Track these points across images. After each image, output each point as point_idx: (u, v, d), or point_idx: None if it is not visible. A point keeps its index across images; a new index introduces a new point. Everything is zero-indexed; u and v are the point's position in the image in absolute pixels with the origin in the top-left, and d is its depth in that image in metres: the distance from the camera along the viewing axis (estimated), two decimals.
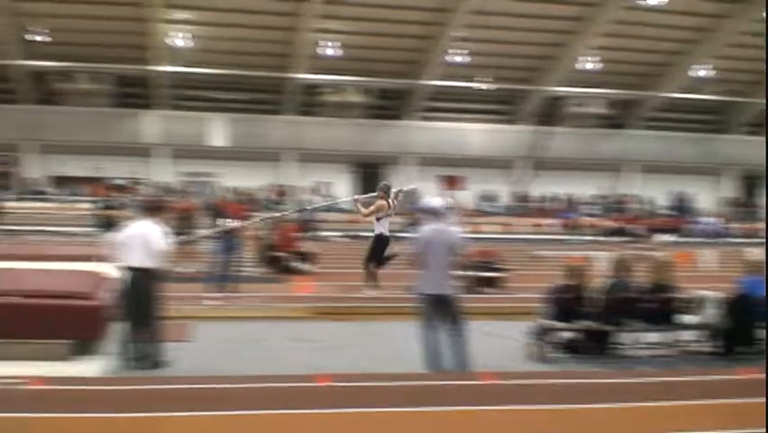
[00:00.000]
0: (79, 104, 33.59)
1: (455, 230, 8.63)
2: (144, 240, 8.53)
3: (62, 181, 33.92)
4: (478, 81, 35.08)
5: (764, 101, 31.53)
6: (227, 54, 32.85)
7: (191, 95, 35.25)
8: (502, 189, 37.96)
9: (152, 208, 9.07)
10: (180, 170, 34.46)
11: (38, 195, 32.20)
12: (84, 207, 28.70)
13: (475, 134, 37.22)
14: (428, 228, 8.41)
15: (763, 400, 6.16)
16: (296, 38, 32.25)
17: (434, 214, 8.48)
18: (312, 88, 35.57)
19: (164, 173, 33.94)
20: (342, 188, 35.94)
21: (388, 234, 13.37)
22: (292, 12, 31.09)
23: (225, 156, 34.67)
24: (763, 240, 22.22)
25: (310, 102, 36.07)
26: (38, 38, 30.88)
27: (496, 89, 35.92)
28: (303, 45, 32.35)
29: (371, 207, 13.47)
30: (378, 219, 13.29)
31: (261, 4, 30.69)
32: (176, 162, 34.66)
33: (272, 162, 35.68)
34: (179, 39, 31.62)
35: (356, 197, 14.42)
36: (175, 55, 32.31)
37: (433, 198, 9.41)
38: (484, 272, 14.51)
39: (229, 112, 35.11)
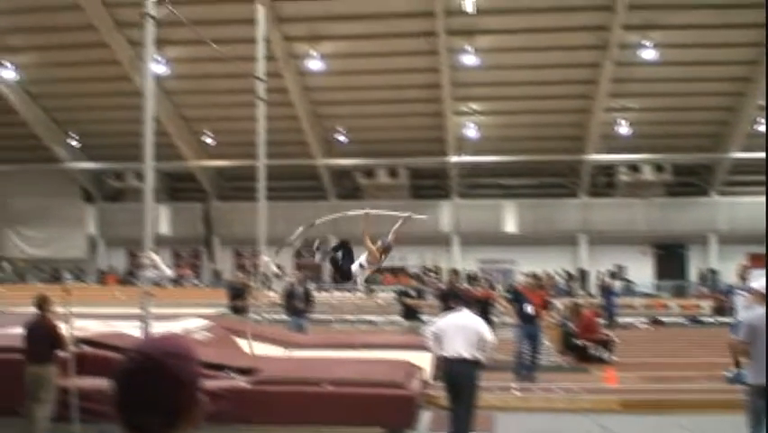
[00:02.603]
0: (378, 197, 35.42)
1: None
2: (468, 330, 8.67)
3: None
4: None
5: None
6: (517, 141, 33.24)
7: (483, 182, 36.04)
8: None
9: (468, 299, 9.26)
10: (475, 258, 35.07)
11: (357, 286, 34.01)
12: (386, 295, 29.93)
13: None
14: (757, 313, 7.66)
15: None
16: (585, 120, 31.90)
17: (763, 297, 7.73)
18: (604, 169, 34.90)
19: (459, 261, 34.66)
20: (642, 271, 34.56)
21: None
22: (582, 94, 30.84)
23: (517, 241, 34.77)
24: None
25: (602, 183, 35.37)
26: (340, 138, 33.39)
27: None
28: (594, 126, 31.84)
29: (369, 245, 10.05)
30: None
31: (550, 90, 30.75)
32: (469, 250, 35.29)
33: (566, 246, 35.18)
34: (471, 129, 32.59)
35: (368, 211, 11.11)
36: (467, 145, 33.29)
37: (759, 279, 8.60)
38: None
39: (520, 197, 35.41)
